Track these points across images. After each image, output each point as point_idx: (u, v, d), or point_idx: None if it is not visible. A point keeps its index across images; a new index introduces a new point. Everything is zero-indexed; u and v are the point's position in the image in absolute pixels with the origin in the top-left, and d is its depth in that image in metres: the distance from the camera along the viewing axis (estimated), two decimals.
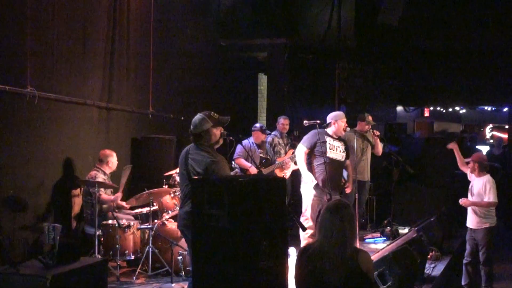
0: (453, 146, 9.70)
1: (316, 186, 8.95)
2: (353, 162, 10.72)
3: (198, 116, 6.48)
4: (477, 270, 9.16)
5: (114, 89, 10.38)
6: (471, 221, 8.98)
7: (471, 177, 9.10)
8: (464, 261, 9.23)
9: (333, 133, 9.17)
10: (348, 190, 9.37)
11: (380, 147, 11.60)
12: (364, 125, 11.43)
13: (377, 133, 11.35)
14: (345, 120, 9.21)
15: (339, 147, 9.14)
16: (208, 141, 6.45)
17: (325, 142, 9.06)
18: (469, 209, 9.00)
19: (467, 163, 9.23)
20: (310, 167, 9.15)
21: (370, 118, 11.48)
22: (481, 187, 8.84)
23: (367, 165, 11.58)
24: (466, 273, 9.22)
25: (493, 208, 8.94)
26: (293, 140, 11.98)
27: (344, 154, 9.10)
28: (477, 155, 9.28)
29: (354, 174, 9.98)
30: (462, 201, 8.91)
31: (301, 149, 9.16)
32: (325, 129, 9.22)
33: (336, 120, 9.17)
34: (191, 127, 6.44)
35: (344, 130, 9.22)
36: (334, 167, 9.08)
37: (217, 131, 6.49)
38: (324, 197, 8.98)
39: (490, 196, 8.80)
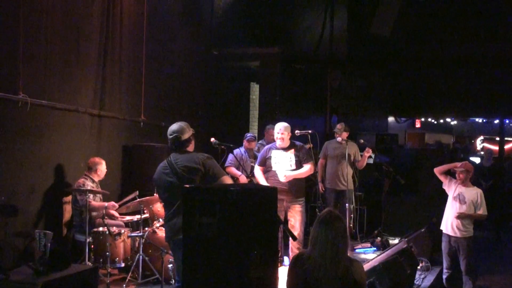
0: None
1: None
2: (332, 170, 11.19)
3: (180, 124, 6.44)
4: (458, 281, 9.19)
5: (106, 96, 10.37)
6: (457, 229, 8.93)
7: (455, 185, 9.09)
8: (447, 275, 9.21)
9: (279, 146, 9.30)
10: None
11: (364, 162, 11.60)
12: (336, 135, 11.54)
13: (370, 151, 11.44)
14: (276, 131, 9.25)
15: (285, 157, 9.22)
16: (190, 148, 6.44)
17: (270, 157, 9.29)
18: (454, 218, 9.00)
19: (453, 172, 9.19)
20: (267, 177, 9.36)
21: (338, 126, 11.61)
22: (475, 198, 8.87)
23: (343, 175, 11.53)
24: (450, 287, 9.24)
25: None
26: None
27: (292, 163, 9.18)
28: (468, 164, 9.22)
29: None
30: (460, 216, 8.87)
31: (257, 169, 9.49)
32: (274, 143, 9.38)
33: (276, 132, 9.30)
34: (177, 135, 6.32)
35: (282, 140, 9.26)
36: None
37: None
38: (283, 203, 9.11)
39: (484, 209, 8.87)
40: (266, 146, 9.60)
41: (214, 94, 14.64)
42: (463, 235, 8.91)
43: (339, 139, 11.35)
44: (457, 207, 8.94)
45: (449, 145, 24.71)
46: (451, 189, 9.12)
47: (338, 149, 11.41)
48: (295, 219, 9.21)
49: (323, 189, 11.55)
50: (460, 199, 8.94)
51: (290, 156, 9.19)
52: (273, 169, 9.25)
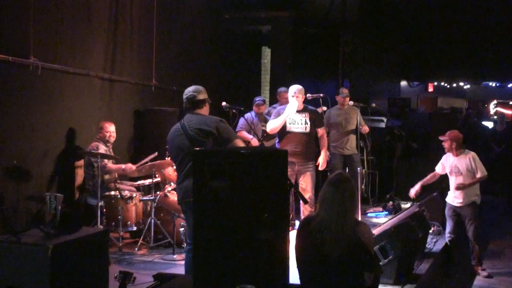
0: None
1: None
2: (337, 135, 11.31)
3: (197, 86, 6.50)
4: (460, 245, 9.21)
5: (117, 60, 10.35)
6: (458, 198, 8.91)
7: (446, 159, 9.05)
8: (448, 238, 9.21)
9: None
10: (321, 165, 9.34)
11: (364, 129, 11.57)
12: (340, 99, 11.50)
13: (367, 130, 11.52)
14: (291, 93, 9.18)
15: (301, 119, 9.19)
16: (205, 111, 6.46)
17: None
18: (454, 191, 8.96)
19: (441, 141, 9.13)
20: (280, 140, 9.34)
21: (344, 90, 11.59)
22: (468, 164, 8.78)
23: (348, 140, 11.55)
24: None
25: (478, 185, 8.97)
26: None
27: (307, 126, 9.16)
28: (453, 133, 9.09)
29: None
30: (459, 187, 8.83)
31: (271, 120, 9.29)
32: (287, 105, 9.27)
33: (291, 95, 9.22)
34: (193, 93, 6.39)
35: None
36: (298, 139, 9.17)
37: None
38: (294, 167, 9.14)
39: (482, 170, 8.77)
40: (280, 107, 9.55)
41: (226, 58, 14.57)
42: (465, 203, 8.86)
43: (351, 102, 11.31)
44: (455, 179, 8.90)
45: (462, 109, 24.56)
46: (447, 165, 9.06)
47: (342, 115, 11.49)
48: (306, 182, 9.22)
49: (329, 156, 11.56)
50: (455, 171, 8.88)
51: (304, 119, 9.17)
52: (287, 130, 9.17)
